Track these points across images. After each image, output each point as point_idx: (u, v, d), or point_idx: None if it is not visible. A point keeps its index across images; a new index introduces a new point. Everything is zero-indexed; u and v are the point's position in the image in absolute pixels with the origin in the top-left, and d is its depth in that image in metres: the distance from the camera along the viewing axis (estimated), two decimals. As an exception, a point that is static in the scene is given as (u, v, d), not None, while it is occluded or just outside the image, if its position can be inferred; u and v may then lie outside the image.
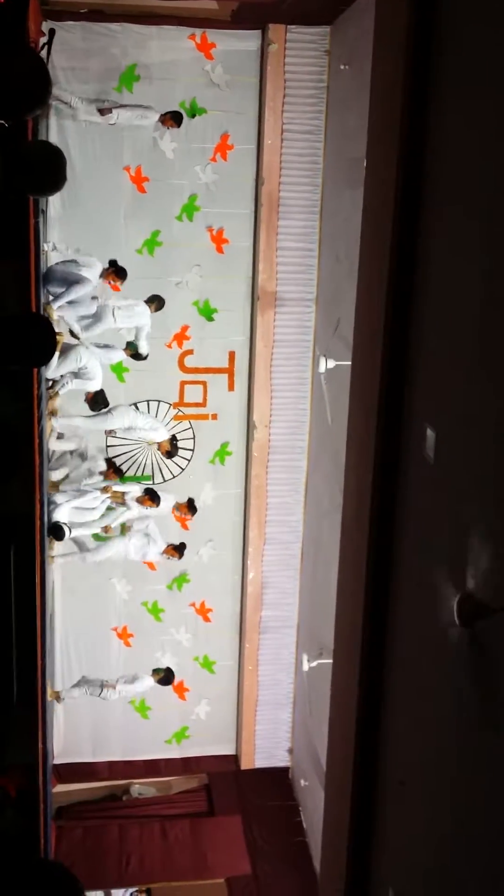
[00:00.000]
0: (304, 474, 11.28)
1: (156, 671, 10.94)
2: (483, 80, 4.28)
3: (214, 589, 11.53)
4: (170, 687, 11.60)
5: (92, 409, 10.06)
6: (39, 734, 8.45)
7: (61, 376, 9.65)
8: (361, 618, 5.76)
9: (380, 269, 5.39)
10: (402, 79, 4.97)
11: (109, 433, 10.52)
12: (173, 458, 10.95)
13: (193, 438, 11.04)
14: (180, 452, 10.98)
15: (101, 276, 9.62)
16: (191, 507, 10.99)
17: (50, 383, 9.62)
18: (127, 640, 11.37)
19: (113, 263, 9.73)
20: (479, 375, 4.24)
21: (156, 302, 10.06)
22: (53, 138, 9.69)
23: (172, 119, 9.85)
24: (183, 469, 11.18)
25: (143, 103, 9.84)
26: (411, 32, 4.90)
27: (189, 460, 11.17)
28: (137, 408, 10.67)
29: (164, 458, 10.97)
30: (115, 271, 9.70)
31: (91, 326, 9.68)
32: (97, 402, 10.00)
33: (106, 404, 10.13)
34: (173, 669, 11.27)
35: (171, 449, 10.68)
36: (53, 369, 9.40)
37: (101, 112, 9.67)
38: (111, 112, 9.67)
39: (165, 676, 10.98)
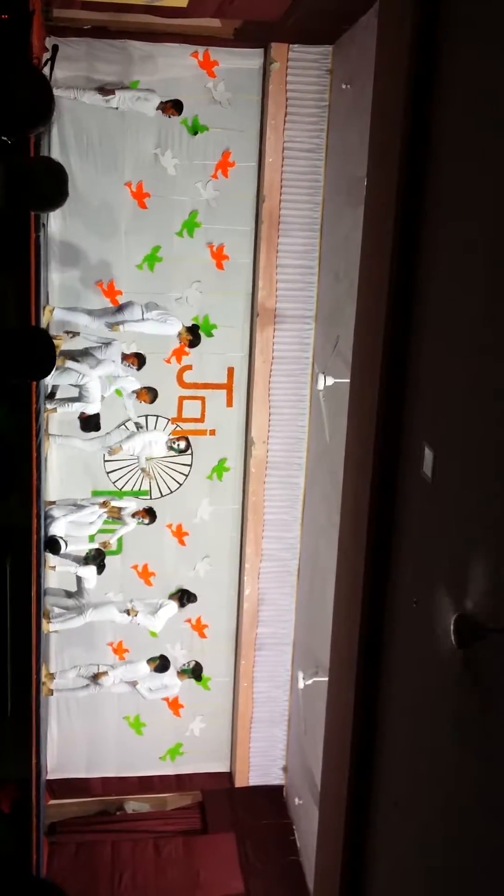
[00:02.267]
0: (302, 491, 11.27)
1: (151, 660, 10.82)
2: (484, 100, 4.30)
3: (210, 605, 11.49)
4: (164, 703, 11.55)
5: (83, 429, 10.04)
6: (33, 749, 8.40)
7: (58, 389, 9.66)
8: (357, 636, 5.76)
9: (379, 287, 5.40)
10: (404, 98, 5.00)
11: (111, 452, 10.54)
12: (182, 454, 10.91)
13: (191, 454, 11.03)
14: (178, 468, 10.98)
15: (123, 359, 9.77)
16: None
17: (49, 389, 9.61)
18: (122, 655, 11.30)
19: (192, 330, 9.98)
20: (477, 395, 4.24)
21: (150, 394, 10.12)
22: (55, 153, 9.74)
23: (173, 107, 9.77)
24: (181, 484, 11.17)
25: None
26: (413, 53, 4.93)
27: (187, 476, 11.16)
28: (137, 426, 10.67)
29: (161, 474, 10.98)
30: (137, 356, 9.83)
31: (94, 366, 9.73)
32: (89, 424, 9.97)
33: (97, 429, 10.10)
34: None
35: (179, 445, 10.61)
36: (51, 380, 9.40)
37: (103, 92, 9.61)
38: (113, 93, 9.62)
39: (161, 664, 10.83)
